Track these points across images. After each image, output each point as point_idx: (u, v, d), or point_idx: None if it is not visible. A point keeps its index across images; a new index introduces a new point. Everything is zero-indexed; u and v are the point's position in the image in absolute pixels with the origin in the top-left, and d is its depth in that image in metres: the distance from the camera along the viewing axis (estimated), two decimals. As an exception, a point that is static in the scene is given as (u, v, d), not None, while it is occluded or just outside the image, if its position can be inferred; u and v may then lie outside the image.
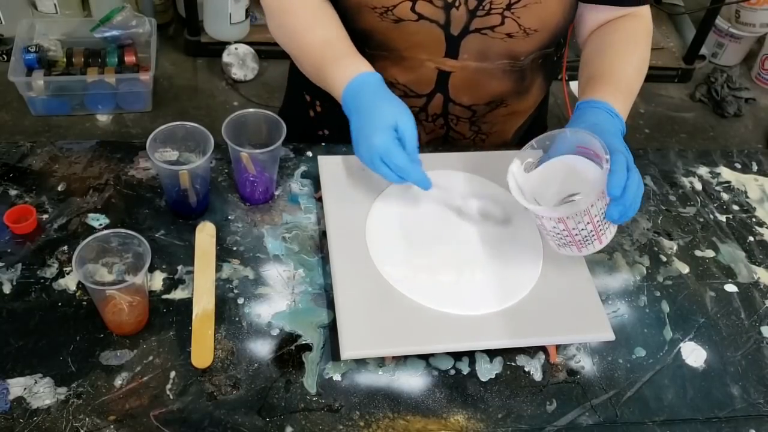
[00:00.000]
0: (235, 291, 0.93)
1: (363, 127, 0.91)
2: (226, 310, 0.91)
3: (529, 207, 0.86)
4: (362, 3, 0.97)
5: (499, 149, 1.19)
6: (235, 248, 0.98)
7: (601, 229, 0.87)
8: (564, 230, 0.87)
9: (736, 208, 1.17)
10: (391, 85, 1.08)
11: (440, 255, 0.95)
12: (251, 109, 1.01)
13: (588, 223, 0.85)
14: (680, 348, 0.96)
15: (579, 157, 0.89)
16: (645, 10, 1.07)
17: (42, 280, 0.91)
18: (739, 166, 1.24)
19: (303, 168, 1.10)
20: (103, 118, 2.42)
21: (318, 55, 0.97)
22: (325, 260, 0.97)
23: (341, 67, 0.94)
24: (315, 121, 1.23)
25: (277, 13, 1.02)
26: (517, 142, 1.25)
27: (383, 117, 0.90)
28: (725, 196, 1.18)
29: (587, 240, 0.88)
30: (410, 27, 0.99)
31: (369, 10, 0.98)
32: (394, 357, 0.88)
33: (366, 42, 1.04)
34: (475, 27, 0.99)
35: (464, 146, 1.19)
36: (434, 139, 1.18)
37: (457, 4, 0.96)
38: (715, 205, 1.16)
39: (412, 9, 0.96)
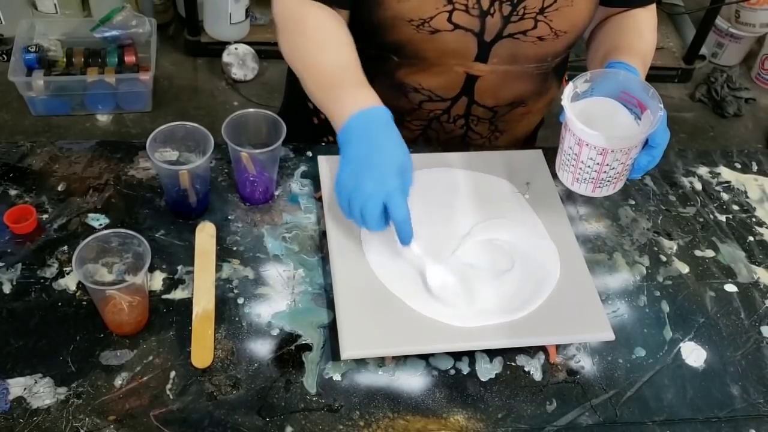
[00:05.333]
0: (235, 291, 0.93)
1: (373, 160, 0.85)
2: (226, 310, 0.91)
3: (585, 129, 0.86)
4: (398, 16, 0.97)
5: (510, 147, 1.20)
6: (235, 248, 0.98)
7: (622, 175, 0.91)
8: (597, 164, 0.89)
9: (736, 208, 1.17)
10: (415, 90, 1.08)
11: (440, 259, 0.95)
12: (251, 109, 1.01)
13: (621, 163, 0.89)
14: (680, 348, 0.96)
15: (615, 101, 0.92)
16: (652, 6, 1.11)
17: (42, 280, 0.91)
18: (739, 166, 1.24)
19: (303, 168, 1.09)
20: (103, 118, 2.42)
21: (328, 78, 0.94)
22: (325, 260, 0.97)
23: (355, 94, 0.90)
24: (319, 129, 1.22)
25: (288, 30, 1.00)
26: (527, 139, 1.26)
27: (399, 160, 0.86)
28: (725, 196, 1.18)
29: (607, 181, 0.91)
30: (445, 37, 0.98)
31: (405, 23, 0.97)
32: (394, 357, 0.88)
33: (396, 52, 1.03)
34: (508, 32, 0.99)
35: (478, 145, 1.19)
36: (452, 139, 1.18)
37: (492, 11, 0.97)
38: (715, 205, 1.16)
39: (449, 20, 0.96)
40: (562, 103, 0.89)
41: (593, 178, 0.90)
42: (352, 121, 0.88)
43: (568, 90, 0.90)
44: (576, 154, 0.89)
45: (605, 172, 0.89)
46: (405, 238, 0.88)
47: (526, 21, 0.98)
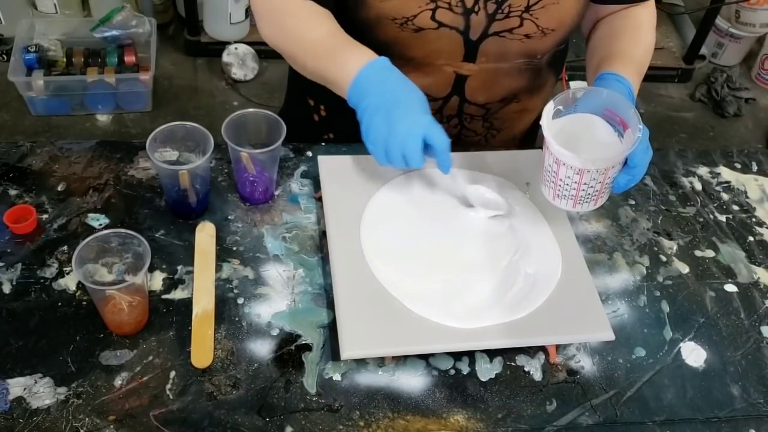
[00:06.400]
0: (235, 291, 0.93)
1: (400, 103, 0.89)
2: (226, 310, 0.91)
3: (561, 150, 0.86)
4: (381, 15, 0.97)
5: (507, 145, 1.20)
6: (235, 248, 0.98)
7: (603, 192, 0.91)
8: (575, 182, 0.88)
9: (736, 208, 1.17)
10: None
11: (441, 260, 0.94)
12: (251, 109, 1.01)
13: (599, 182, 0.88)
14: (680, 348, 0.96)
15: (599, 118, 0.92)
16: (651, 2, 1.10)
17: (42, 280, 0.91)
18: (738, 166, 1.24)
19: (303, 168, 1.09)
20: (103, 118, 2.42)
21: (322, 46, 0.96)
22: (325, 260, 0.97)
23: (354, 52, 0.94)
24: (320, 126, 1.22)
25: (270, 15, 1.01)
26: (524, 138, 1.26)
27: (422, 97, 0.91)
28: (725, 196, 1.18)
29: (587, 198, 0.90)
30: (430, 35, 0.99)
31: (389, 21, 0.97)
32: (394, 357, 0.88)
33: (384, 52, 1.03)
34: (494, 30, 0.99)
35: (474, 143, 1.19)
36: None
37: (476, 9, 0.96)
38: (715, 205, 1.16)
39: (432, 18, 0.96)
40: (541, 122, 0.89)
41: (572, 195, 0.90)
42: (362, 74, 0.91)
43: (549, 108, 0.90)
44: (554, 172, 0.90)
45: (584, 190, 0.89)
46: (447, 166, 0.92)
47: (512, 19, 0.98)
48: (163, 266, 0.95)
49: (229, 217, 1.02)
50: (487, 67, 1.04)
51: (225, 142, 0.96)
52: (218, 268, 0.95)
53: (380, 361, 0.88)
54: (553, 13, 0.98)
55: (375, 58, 0.92)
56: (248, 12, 2.59)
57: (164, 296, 0.92)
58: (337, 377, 0.87)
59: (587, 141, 0.91)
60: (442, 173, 0.94)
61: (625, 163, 0.88)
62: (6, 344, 0.85)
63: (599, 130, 0.92)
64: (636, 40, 1.05)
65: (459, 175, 1.02)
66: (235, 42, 2.60)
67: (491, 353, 0.91)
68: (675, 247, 1.08)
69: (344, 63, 0.93)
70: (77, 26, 2.45)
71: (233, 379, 0.85)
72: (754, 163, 1.25)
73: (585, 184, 0.88)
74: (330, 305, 0.92)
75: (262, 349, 0.88)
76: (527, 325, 0.89)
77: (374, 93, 0.90)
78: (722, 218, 1.14)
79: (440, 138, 0.89)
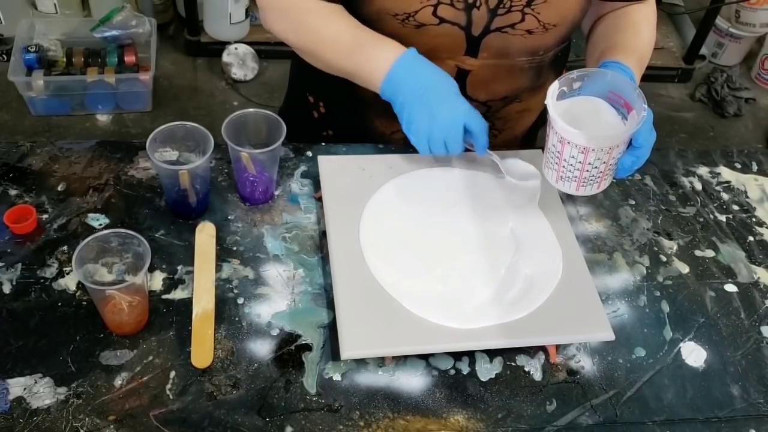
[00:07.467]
0: (235, 291, 0.93)
1: (438, 92, 0.93)
2: (226, 310, 0.91)
3: (566, 128, 0.86)
4: (383, 10, 0.97)
5: (508, 145, 1.20)
6: (235, 248, 0.98)
7: (607, 174, 0.91)
8: (579, 162, 0.89)
9: (736, 208, 1.17)
10: None
11: (441, 260, 0.94)
12: (251, 109, 1.01)
13: (603, 163, 0.88)
14: (680, 348, 0.96)
15: (603, 101, 0.93)
16: (651, 0, 1.10)
17: (42, 280, 0.91)
18: (739, 165, 1.24)
19: (303, 168, 1.09)
20: (103, 118, 2.42)
21: (347, 42, 0.98)
22: (325, 260, 0.97)
23: (383, 46, 0.96)
24: (319, 122, 1.22)
25: (282, 12, 1.01)
26: (525, 138, 1.26)
27: (455, 84, 0.95)
28: (725, 196, 1.18)
29: (591, 180, 0.91)
30: (431, 31, 0.99)
31: (390, 17, 0.98)
32: (393, 357, 0.88)
33: None
34: (495, 26, 0.99)
35: None
36: None
37: (478, 4, 0.97)
38: (715, 205, 1.16)
39: (434, 13, 0.97)
40: (546, 101, 0.89)
41: (576, 177, 0.90)
42: (395, 69, 0.94)
43: (553, 88, 0.90)
44: (558, 152, 0.89)
45: (588, 171, 0.89)
46: (484, 148, 0.97)
47: (513, 14, 0.98)
48: (163, 266, 0.95)
49: (229, 217, 1.02)
50: (488, 63, 1.04)
51: (225, 142, 0.96)
52: (218, 268, 0.95)
53: (380, 361, 0.88)
54: (555, 7, 0.98)
55: (404, 51, 0.95)
56: (248, 12, 2.59)
57: (164, 296, 0.92)
58: (337, 377, 0.87)
59: (591, 123, 0.91)
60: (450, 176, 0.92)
61: (630, 144, 0.89)
62: (6, 344, 0.85)
63: (603, 112, 0.92)
64: (637, 34, 1.05)
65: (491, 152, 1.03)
66: (235, 42, 2.60)
67: (491, 353, 0.91)
68: (675, 247, 1.08)
69: (374, 58, 0.95)
70: (77, 26, 2.45)
71: (233, 379, 0.85)
72: (754, 163, 1.25)
73: (589, 164, 0.88)
74: (330, 305, 0.92)
75: (262, 349, 0.88)
76: (527, 325, 0.89)
77: (409, 86, 0.93)
78: (722, 218, 1.14)
79: (479, 123, 0.94)
